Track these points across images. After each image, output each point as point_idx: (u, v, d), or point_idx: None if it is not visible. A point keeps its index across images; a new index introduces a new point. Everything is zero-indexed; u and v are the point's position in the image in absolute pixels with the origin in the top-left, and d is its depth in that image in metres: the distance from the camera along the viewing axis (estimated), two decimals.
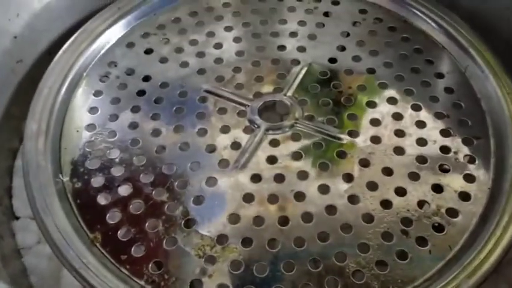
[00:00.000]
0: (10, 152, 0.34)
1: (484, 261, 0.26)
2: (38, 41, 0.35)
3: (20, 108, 0.34)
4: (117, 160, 0.30)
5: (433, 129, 0.31)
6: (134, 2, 0.38)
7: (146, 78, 0.34)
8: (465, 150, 0.30)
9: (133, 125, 0.32)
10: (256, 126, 0.31)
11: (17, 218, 0.33)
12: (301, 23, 0.37)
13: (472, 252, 0.26)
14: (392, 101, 0.32)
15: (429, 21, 0.36)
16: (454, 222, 0.27)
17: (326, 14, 0.38)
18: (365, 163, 0.30)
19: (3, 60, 0.33)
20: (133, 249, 0.27)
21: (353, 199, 0.28)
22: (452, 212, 0.28)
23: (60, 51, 0.34)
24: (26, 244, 0.32)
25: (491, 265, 0.25)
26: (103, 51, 0.36)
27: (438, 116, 0.32)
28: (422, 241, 0.27)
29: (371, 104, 0.32)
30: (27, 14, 0.34)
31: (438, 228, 0.27)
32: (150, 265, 0.26)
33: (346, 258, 0.26)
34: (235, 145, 0.31)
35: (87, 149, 0.31)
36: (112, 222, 0.28)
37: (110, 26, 0.36)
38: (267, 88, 0.34)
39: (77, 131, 0.32)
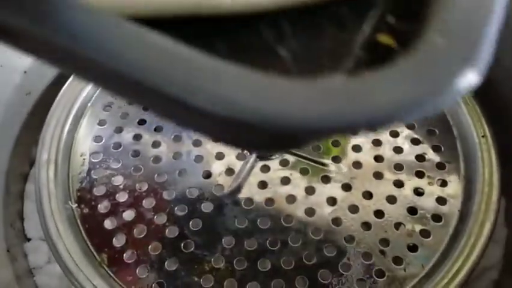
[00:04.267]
0: (21, 176, 0.37)
1: (453, 279, 0.29)
2: (45, 74, 0.38)
3: (29, 135, 0.37)
4: (121, 186, 0.33)
5: (409, 155, 0.34)
6: None
7: (147, 108, 0.37)
8: (438, 174, 0.33)
9: (135, 153, 0.35)
10: (248, 153, 0.34)
11: (29, 240, 0.36)
12: None
13: (443, 270, 0.29)
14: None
15: None
16: (427, 242, 0.30)
17: None
18: (347, 187, 0.33)
19: (15, 94, 0.35)
20: (137, 270, 0.30)
21: (336, 221, 0.31)
22: (425, 233, 0.31)
23: (66, 84, 0.37)
24: (37, 264, 0.34)
25: (459, 282, 0.29)
26: None
27: (414, 142, 0.35)
28: (397, 260, 0.30)
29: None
30: None
31: (413, 248, 0.30)
32: (153, 285, 0.29)
33: (330, 277, 0.29)
34: (229, 171, 0.34)
35: (93, 176, 0.34)
36: (118, 245, 0.31)
37: None
38: None
39: (84, 159, 0.35)
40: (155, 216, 0.32)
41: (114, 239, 0.31)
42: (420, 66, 0.10)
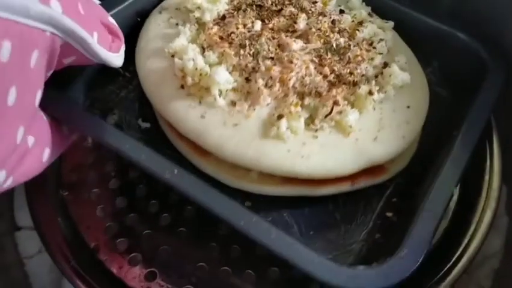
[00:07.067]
0: None
1: (453, 267, 0.28)
2: None
3: None
4: (113, 173, 0.32)
5: None
6: None
7: None
8: None
9: None
10: None
11: (19, 229, 0.35)
12: None
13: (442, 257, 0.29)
14: None
15: None
16: None
17: None
18: None
19: None
20: (129, 258, 0.29)
21: None
22: None
23: None
24: (28, 253, 0.34)
25: (459, 270, 0.28)
26: None
27: None
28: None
29: None
30: None
31: None
32: (145, 274, 0.28)
33: None
34: None
35: (85, 163, 0.33)
36: (109, 234, 0.30)
37: None
38: None
39: (76, 144, 0.34)
40: (148, 204, 0.31)
41: (105, 227, 0.30)
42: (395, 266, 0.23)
